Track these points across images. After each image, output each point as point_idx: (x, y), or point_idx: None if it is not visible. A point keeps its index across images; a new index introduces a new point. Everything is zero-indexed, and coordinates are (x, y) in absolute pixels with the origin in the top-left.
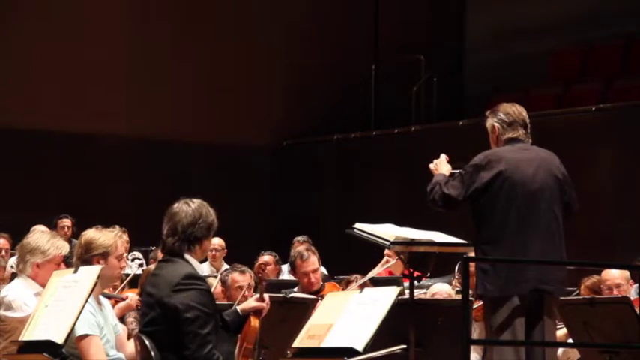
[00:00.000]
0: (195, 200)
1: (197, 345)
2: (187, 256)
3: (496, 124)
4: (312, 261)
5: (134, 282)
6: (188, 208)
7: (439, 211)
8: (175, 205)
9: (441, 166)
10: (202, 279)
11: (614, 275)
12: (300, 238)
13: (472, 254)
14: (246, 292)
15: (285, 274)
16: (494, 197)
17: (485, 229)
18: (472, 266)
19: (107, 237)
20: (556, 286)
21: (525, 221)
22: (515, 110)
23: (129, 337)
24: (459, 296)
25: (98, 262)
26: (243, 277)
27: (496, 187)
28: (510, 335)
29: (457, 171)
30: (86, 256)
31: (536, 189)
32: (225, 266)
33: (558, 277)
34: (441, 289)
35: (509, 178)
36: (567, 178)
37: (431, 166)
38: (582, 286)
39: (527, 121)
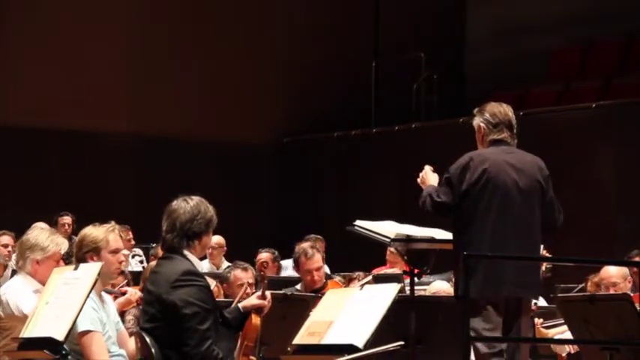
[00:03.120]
0: (194, 197)
1: (196, 341)
2: (186, 252)
3: (482, 124)
4: (317, 259)
5: (136, 280)
6: (186, 204)
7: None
8: (174, 202)
9: (428, 177)
10: (201, 275)
11: (610, 274)
12: (312, 236)
13: None
14: (248, 290)
15: (289, 269)
16: (476, 198)
17: (465, 229)
18: None
19: (98, 232)
20: (531, 290)
21: (505, 225)
22: (501, 111)
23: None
24: None
25: (92, 259)
26: (245, 275)
27: (479, 188)
28: (488, 334)
29: (445, 176)
30: (79, 254)
31: (517, 193)
32: (226, 264)
33: (533, 282)
34: (441, 287)
35: (493, 180)
36: (549, 180)
37: (418, 180)
38: (589, 282)
39: (514, 122)
